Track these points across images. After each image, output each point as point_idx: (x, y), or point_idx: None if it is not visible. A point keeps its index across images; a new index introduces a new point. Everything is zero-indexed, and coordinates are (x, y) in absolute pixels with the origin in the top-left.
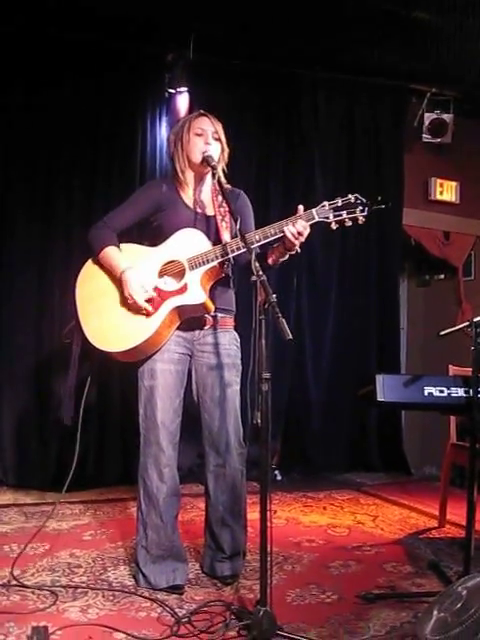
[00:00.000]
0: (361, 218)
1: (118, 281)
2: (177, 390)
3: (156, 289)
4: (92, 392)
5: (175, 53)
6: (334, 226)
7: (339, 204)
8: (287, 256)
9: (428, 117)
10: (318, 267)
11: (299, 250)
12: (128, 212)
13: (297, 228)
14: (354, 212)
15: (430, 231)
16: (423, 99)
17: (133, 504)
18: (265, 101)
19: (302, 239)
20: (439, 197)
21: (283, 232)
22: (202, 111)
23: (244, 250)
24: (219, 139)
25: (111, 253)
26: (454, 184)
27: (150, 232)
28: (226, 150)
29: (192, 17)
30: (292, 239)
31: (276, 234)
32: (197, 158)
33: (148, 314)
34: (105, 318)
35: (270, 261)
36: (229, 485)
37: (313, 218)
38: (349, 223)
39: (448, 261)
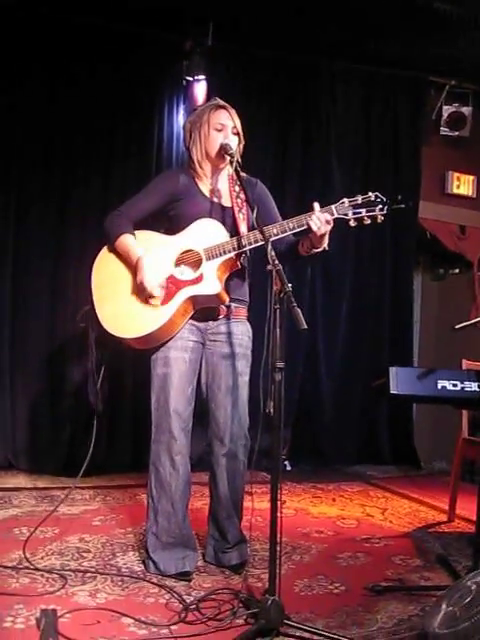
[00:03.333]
0: (380, 217)
1: (133, 268)
2: (190, 378)
3: (172, 277)
4: (105, 378)
5: (193, 40)
6: (353, 223)
7: (359, 201)
8: (313, 252)
9: (446, 110)
10: (332, 259)
11: (327, 248)
12: (144, 202)
13: (325, 216)
14: (374, 210)
15: (446, 225)
16: (442, 92)
17: (143, 491)
18: (283, 90)
19: (323, 230)
20: (456, 191)
21: (304, 226)
22: (220, 102)
23: (261, 243)
24: (238, 133)
25: (127, 240)
26: (471, 178)
27: (166, 221)
28: (242, 142)
29: (211, 4)
30: (318, 225)
31: (294, 228)
32: (215, 151)
33: (165, 294)
34: (120, 304)
35: (302, 251)
36: (232, 476)
37: (332, 214)
38: (368, 221)
39: (464, 255)
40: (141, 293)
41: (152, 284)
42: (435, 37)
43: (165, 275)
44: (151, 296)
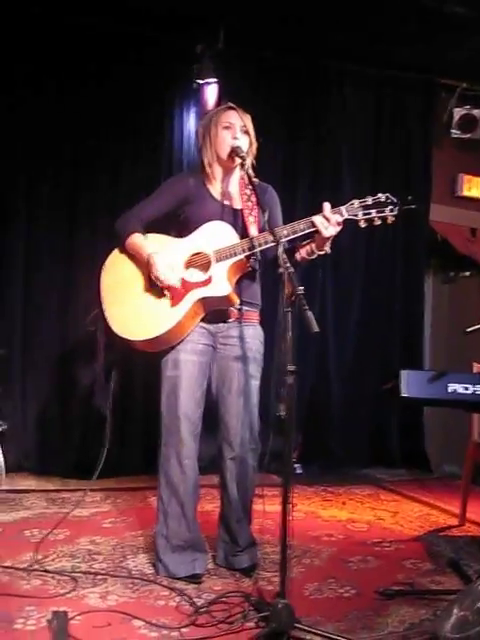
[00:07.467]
0: (391, 218)
1: (145, 266)
2: (200, 381)
3: (181, 280)
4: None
5: (204, 44)
6: (363, 224)
7: (369, 202)
8: (316, 255)
9: (458, 112)
10: (343, 261)
11: (329, 250)
12: (154, 204)
13: (327, 215)
14: (384, 211)
15: (457, 227)
16: (453, 94)
17: (153, 493)
18: (293, 93)
19: (332, 231)
20: (467, 193)
21: (312, 226)
22: (230, 104)
23: (271, 245)
24: (247, 132)
25: (137, 239)
26: None
27: (177, 224)
28: (254, 144)
29: (222, 8)
30: (322, 229)
31: (305, 230)
32: (225, 152)
33: (174, 297)
34: (129, 307)
35: (298, 258)
36: (242, 480)
37: (342, 214)
38: (378, 222)
39: (474, 258)
40: (154, 294)
41: (167, 276)
42: (446, 39)
43: (179, 270)
44: (168, 288)
